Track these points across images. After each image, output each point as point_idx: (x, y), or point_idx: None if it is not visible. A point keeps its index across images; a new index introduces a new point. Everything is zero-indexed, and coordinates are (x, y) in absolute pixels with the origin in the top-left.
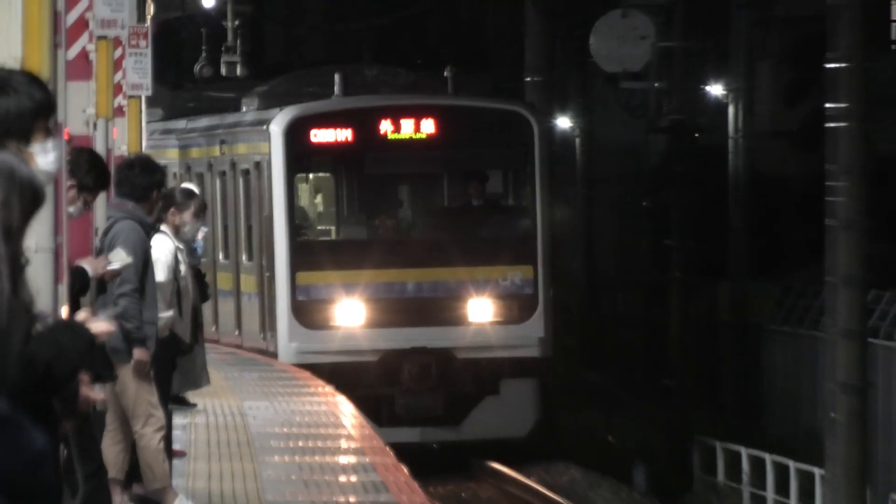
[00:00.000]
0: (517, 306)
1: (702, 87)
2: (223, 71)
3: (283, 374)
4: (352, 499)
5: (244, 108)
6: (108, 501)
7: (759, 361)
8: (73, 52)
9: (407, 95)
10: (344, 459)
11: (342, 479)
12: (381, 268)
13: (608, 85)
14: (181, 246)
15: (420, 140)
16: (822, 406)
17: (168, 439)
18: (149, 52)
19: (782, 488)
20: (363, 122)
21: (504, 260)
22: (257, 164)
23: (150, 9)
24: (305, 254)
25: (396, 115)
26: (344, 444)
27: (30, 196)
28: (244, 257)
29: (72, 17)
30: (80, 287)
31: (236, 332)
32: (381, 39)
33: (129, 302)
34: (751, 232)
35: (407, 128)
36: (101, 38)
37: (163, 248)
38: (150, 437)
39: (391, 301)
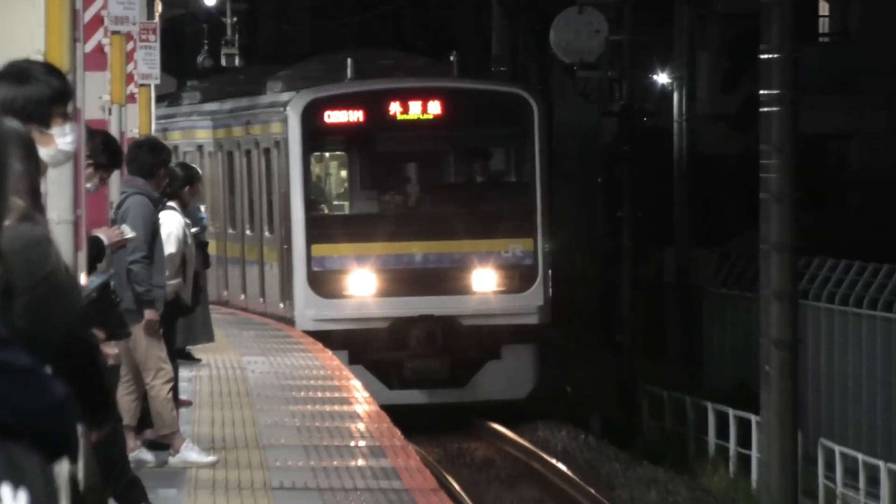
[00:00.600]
0: (518, 276)
1: (649, 75)
2: (223, 62)
3: (278, 332)
4: (337, 442)
5: (268, 91)
6: (123, 445)
7: (700, 319)
8: (90, 45)
9: (414, 78)
10: (332, 408)
11: (329, 424)
12: (390, 240)
13: (565, 74)
14: (188, 220)
15: (427, 120)
16: (757, 360)
17: (175, 390)
18: (157, 45)
19: (722, 433)
20: (374, 103)
21: (505, 233)
22: (276, 143)
23: (158, 7)
24: (320, 227)
25: (405, 96)
26: (333, 394)
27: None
28: (266, 231)
29: (88, 14)
30: (97, 254)
31: (260, 300)
32: (362, 32)
33: (140, 268)
34: (693, 204)
35: (415, 109)
36: (114, 33)
37: (174, 222)
38: (159, 388)
39: (400, 271)
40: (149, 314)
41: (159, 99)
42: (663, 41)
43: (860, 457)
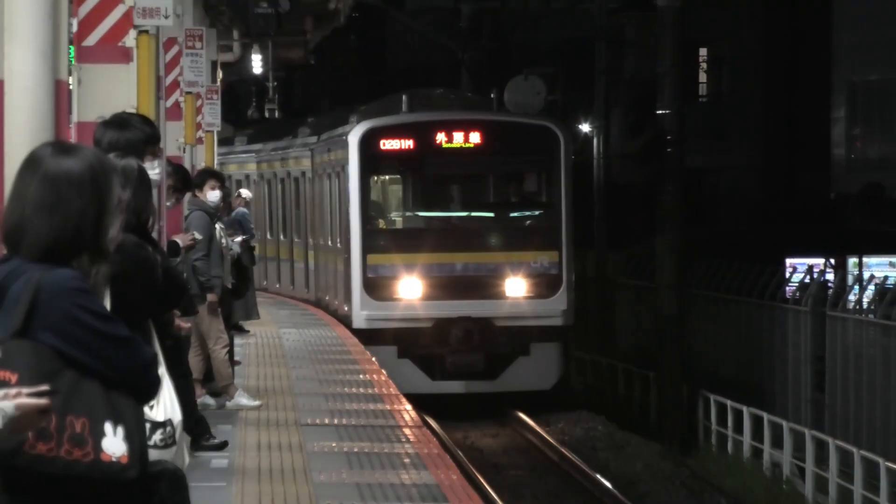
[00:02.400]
0: (545, 284)
1: (576, 125)
2: (266, 114)
3: (306, 312)
4: (349, 391)
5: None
6: (192, 393)
7: (613, 304)
8: (170, 102)
9: (458, 111)
10: (345, 366)
11: (342, 378)
12: (435, 251)
13: None
14: (222, 226)
15: (468, 148)
16: (655, 332)
17: (231, 353)
18: (218, 102)
19: (629, 386)
20: (423, 133)
21: (535, 246)
22: (339, 168)
23: (220, 74)
24: (375, 240)
25: (449, 127)
26: (345, 356)
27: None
28: (330, 241)
29: (169, 79)
30: (173, 252)
31: (326, 297)
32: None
33: (201, 264)
34: (608, 219)
35: (458, 138)
36: (188, 93)
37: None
38: (218, 352)
39: (443, 278)
40: (210, 297)
41: (220, 142)
42: (586, 100)
43: (729, 403)
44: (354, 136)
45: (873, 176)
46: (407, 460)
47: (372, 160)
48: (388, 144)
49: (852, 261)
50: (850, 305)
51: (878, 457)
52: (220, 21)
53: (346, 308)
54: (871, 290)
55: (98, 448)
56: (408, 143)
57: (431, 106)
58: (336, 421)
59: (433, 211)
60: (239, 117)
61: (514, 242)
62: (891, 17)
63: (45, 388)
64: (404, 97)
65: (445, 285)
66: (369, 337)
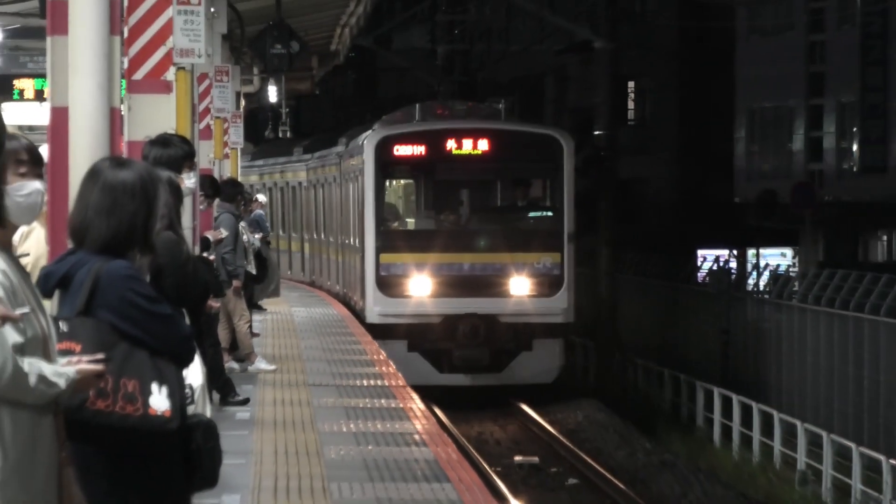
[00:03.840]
0: (547, 283)
1: None
2: (280, 135)
3: (313, 294)
4: (348, 358)
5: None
6: (221, 359)
7: None
8: (203, 124)
9: (468, 120)
10: (345, 337)
11: (343, 347)
12: (444, 252)
13: None
14: (245, 224)
15: (477, 155)
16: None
17: (251, 327)
18: (241, 124)
19: (573, 353)
20: (434, 140)
21: (538, 248)
22: (358, 172)
23: (242, 102)
24: (388, 240)
25: (459, 135)
26: (345, 329)
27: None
28: (347, 240)
29: (201, 106)
30: (205, 247)
31: (344, 291)
32: (362, 118)
33: (229, 256)
34: None
35: (467, 145)
36: (217, 117)
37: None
38: (241, 326)
39: (451, 277)
40: (235, 283)
41: (243, 156)
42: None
43: (654, 367)
44: (370, 144)
45: (767, 184)
46: (395, 411)
47: (386, 165)
48: (401, 151)
49: (751, 252)
50: (749, 288)
51: (772, 409)
52: (243, 59)
53: (357, 302)
54: (766, 276)
55: (146, 404)
56: (420, 150)
57: (442, 115)
58: (337, 382)
59: (443, 213)
60: (258, 137)
61: (518, 244)
62: (780, 57)
63: (101, 356)
64: (417, 107)
65: (454, 284)
66: (381, 331)
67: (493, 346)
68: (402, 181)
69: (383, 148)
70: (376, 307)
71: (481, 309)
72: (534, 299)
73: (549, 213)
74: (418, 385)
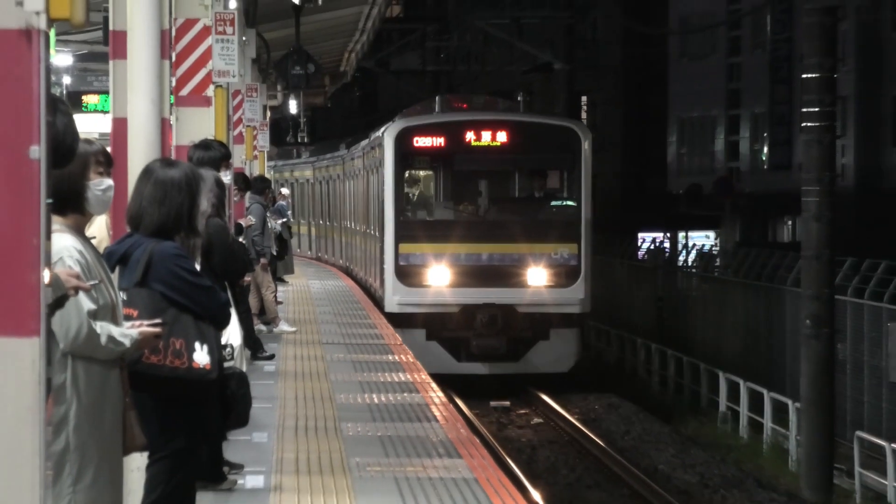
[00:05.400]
0: (564, 274)
1: None
2: (299, 140)
3: (328, 271)
4: (355, 321)
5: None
6: (251, 320)
7: None
8: (236, 132)
9: (487, 112)
10: (354, 304)
11: (352, 312)
12: (463, 242)
13: None
14: (270, 213)
15: (496, 146)
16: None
17: (276, 295)
18: (268, 131)
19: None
20: (453, 131)
21: (555, 238)
22: (377, 163)
23: (268, 113)
24: (407, 230)
25: (478, 127)
26: (352, 299)
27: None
28: (369, 230)
29: (235, 117)
30: (238, 231)
31: (363, 274)
32: (366, 127)
33: (258, 238)
34: None
35: (486, 137)
36: (248, 126)
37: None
38: (268, 295)
39: (469, 267)
40: (263, 261)
41: (271, 158)
42: None
43: (607, 329)
44: (390, 135)
45: (694, 179)
46: (394, 364)
47: (406, 156)
48: (420, 142)
49: (681, 234)
50: (680, 263)
51: (698, 361)
52: (269, 79)
53: (379, 291)
54: (693, 254)
55: (191, 359)
56: (439, 141)
57: (461, 107)
58: (346, 341)
59: (462, 204)
60: (281, 142)
61: (536, 235)
62: (705, 76)
63: (158, 321)
64: (437, 99)
65: (472, 274)
66: (400, 320)
67: (511, 336)
68: (422, 172)
69: (403, 139)
70: (395, 296)
71: (499, 299)
72: (551, 289)
73: (569, 203)
74: (436, 373)
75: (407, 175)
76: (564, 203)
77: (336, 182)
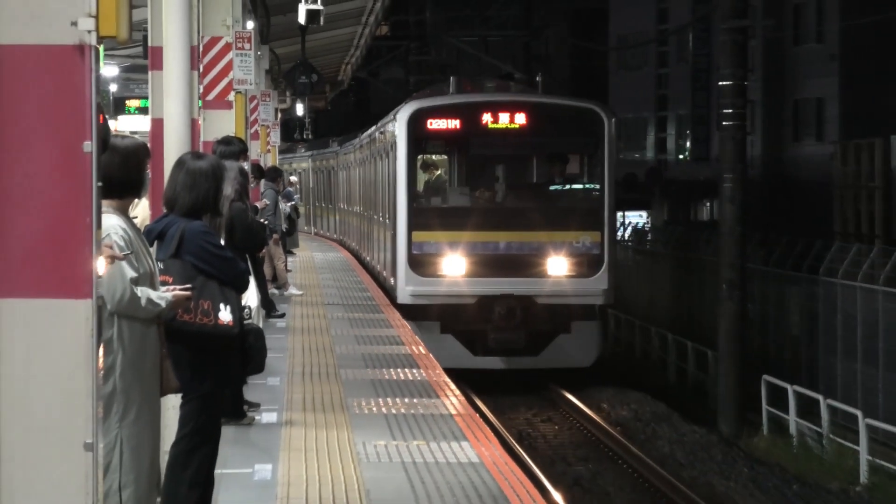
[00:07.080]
0: (586, 263)
1: None
2: (304, 137)
3: (330, 246)
4: (354, 293)
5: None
6: (266, 286)
7: None
8: (252, 130)
9: (504, 93)
10: (353, 276)
11: (351, 282)
12: (479, 230)
13: None
14: (282, 196)
15: (514, 129)
16: None
17: (286, 265)
18: (279, 129)
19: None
20: (469, 113)
21: (577, 226)
22: (389, 147)
23: (279, 115)
24: (420, 217)
25: (495, 108)
26: (351, 271)
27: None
28: (380, 216)
29: (252, 118)
30: (255, 212)
31: (373, 262)
32: (360, 127)
33: (270, 217)
34: None
35: (504, 119)
36: (262, 125)
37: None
38: (279, 264)
39: (486, 256)
40: (275, 237)
41: (280, 151)
42: None
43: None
44: (403, 116)
45: (630, 169)
46: (384, 321)
47: (419, 140)
48: (435, 124)
49: (619, 214)
50: (619, 238)
51: (635, 319)
52: (280, 86)
53: (388, 280)
54: (629, 230)
55: (217, 317)
56: (454, 124)
57: (478, 88)
58: (344, 301)
59: (478, 190)
60: (289, 138)
61: (556, 222)
62: (638, 84)
63: (189, 286)
64: (452, 79)
65: (488, 263)
66: (413, 312)
67: (530, 329)
68: (436, 156)
69: (417, 121)
70: (408, 287)
71: (517, 290)
72: (572, 280)
73: (591, 188)
74: (451, 368)
75: (420, 160)
76: (586, 188)
77: (331, 172)
